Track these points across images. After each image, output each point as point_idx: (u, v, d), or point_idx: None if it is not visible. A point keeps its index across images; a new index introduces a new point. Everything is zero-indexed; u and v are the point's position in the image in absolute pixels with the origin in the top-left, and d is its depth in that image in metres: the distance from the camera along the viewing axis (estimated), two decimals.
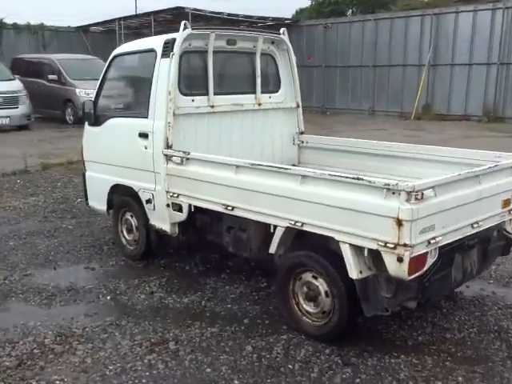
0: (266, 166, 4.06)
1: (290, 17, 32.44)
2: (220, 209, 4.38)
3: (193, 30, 4.85)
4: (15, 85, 15.36)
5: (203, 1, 19.99)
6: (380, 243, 3.35)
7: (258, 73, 5.49)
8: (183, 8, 18.99)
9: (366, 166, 5.23)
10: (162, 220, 5.00)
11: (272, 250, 4.10)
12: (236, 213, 4.27)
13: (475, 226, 3.74)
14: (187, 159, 4.61)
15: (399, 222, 3.23)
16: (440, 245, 3.46)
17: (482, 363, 3.59)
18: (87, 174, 5.95)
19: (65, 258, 5.64)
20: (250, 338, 3.95)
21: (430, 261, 3.45)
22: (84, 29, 23.89)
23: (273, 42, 5.60)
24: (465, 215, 3.64)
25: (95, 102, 5.58)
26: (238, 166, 4.19)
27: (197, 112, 5.09)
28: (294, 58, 5.69)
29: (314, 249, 3.95)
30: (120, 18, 21.79)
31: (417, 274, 3.38)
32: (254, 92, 5.52)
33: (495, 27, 16.67)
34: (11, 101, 14.90)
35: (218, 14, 19.72)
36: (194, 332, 4.04)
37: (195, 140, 5.07)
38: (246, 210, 4.18)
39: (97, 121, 5.58)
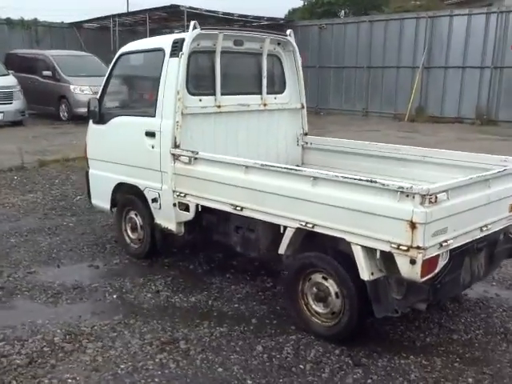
0: (277, 166, 4.08)
1: (282, 17, 32.52)
2: (228, 209, 4.39)
3: (202, 30, 4.86)
4: (9, 80, 15.23)
5: None
6: (393, 245, 3.38)
7: (264, 73, 5.50)
8: (178, 6, 18.96)
9: (371, 168, 5.25)
10: (168, 219, 5.01)
11: (281, 250, 4.12)
12: (245, 213, 4.28)
13: (484, 229, 3.79)
14: (195, 159, 4.61)
15: (413, 225, 3.26)
16: (451, 247, 3.51)
17: (490, 365, 3.64)
18: (90, 171, 5.93)
19: (68, 256, 5.62)
20: (260, 337, 3.97)
21: (442, 263, 3.50)
22: (78, 25, 23.74)
23: (279, 43, 5.62)
24: (474, 219, 3.69)
25: (100, 100, 5.56)
26: (247, 167, 4.21)
27: (204, 112, 5.10)
28: (299, 59, 5.71)
29: (323, 250, 3.98)
30: (114, 15, 21.71)
31: (429, 276, 3.42)
32: (260, 93, 5.54)
33: (489, 31, 16.81)
34: (5, 96, 14.77)
35: (213, 13, 19.68)
36: (203, 331, 4.05)
37: (202, 140, 5.08)
38: (255, 211, 4.20)
39: (102, 119, 5.57)
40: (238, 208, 4.31)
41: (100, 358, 3.66)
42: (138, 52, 5.45)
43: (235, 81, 5.60)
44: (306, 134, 5.93)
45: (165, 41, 4.97)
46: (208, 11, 19.44)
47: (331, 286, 3.86)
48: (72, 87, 16.07)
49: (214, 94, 5.15)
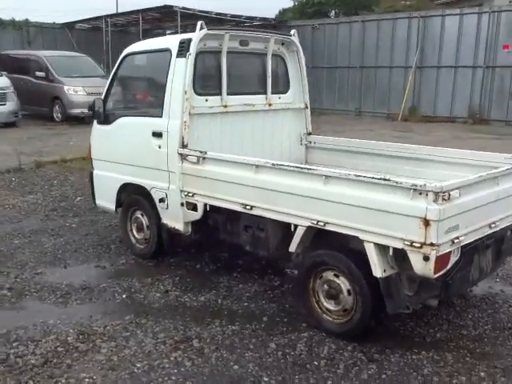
0: (289, 165, 4.12)
1: (273, 17, 32.59)
2: (238, 208, 4.42)
3: (209, 30, 4.88)
4: (3, 81, 15.11)
5: None
6: (406, 242, 3.43)
7: (269, 73, 5.54)
8: (172, 6, 18.97)
9: (376, 167, 5.30)
10: (175, 219, 5.02)
11: (292, 248, 4.16)
12: (255, 212, 4.31)
13: (493, 226, 3.85)
14: (203, 158, 4.63)
15: (426, 222, 3.31)
16: (462, 244, 3.56)
17: (501, 359, 3.71)
18: (95, 172, 5.92)
19: (73, 257, 5.62)
20: (272, 335, 4.01)
21: (453, 260, 3.56)
22: (69, 25, 23.65)
23: (283, 44, 5.66)
24: (484, 216, 3.75)
25: (105, 101, 5.57)
26: (258, 166, 4.24)
27: (210, 112, 5.12)
28: (303, 59, 5.77)
29: (333, 248, 4.02)
30: (107, 16, 21.68)
31: (441, 273, 3.47)
32: (265, 92, 5.58)
33: (481, 30, 16.99)
34: None
35: (206, 13, 19.69)
36: (215, 330, 4.08)
37: (209, 140, 5.10)
38: (265, 210, 4.23)
39: (106, 119, 5.56)
40: (247, 207, 4.34)
41: (115, 358, 3.68)
42: (144, 52, 5.46)
43: (240, 81, 5.63)
44: (309, 134, 5.97)
45: (171, 41, 4.99)
46: (201, 11, 19.46)
47: (343, 283, 3.91)
48: (66, 88, 16.02)
49: (220, 94, 5.18)
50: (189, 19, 20.97)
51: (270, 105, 5.61)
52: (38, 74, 16.48)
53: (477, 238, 3.73)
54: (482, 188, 3.69)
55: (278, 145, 5.77)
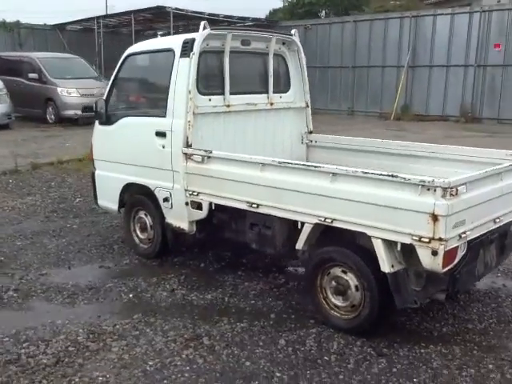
0: (296, 164, 4.15)
1: (263, 17, 32.65)
2: (244, 206, 4.45)
3: (212, 30, 4.91)
4: None
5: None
6: (414, 238, 3.48)
7: (271, 73, 5.58)
8: (164, 7, 18.96)
9: (377, 165, 5.31)
10: (180, 218, 5.04)
11: (299, 246, 4.20)
12: (261, 210, 4.35)
13: (497, 220, 3.91)
14: (208, 157, 4.66)
15: (435, 217, 3.36)
16: (469, 239, 3.62)
17: (507, 351, 3.77)
18: (97, 172, 5.92)
19: (77, 258, 5.62)
20: (281, 332, 4.04)
21: (460, 254, 3.61)
22: (61, 27, 23.56)
23: (284, 43, 5.70)
24: (489, 211, 3.81)
25: (107, 101, 5.58)
26: (264, 164, 4.27)
27: (214, 111, 5.15)
28: (304, 58, 5.81)
29: (341, 244, 4.07)
30: (99, 17, 21.62)
31: (449, 267, 3.53)
32: (267, 92, 5.61)
33: (472, 30, 17.16)
34: None
35: (198, 14, 19.69)
36: (224, 327, 4.11)
37: (212, 139, 5.13)
38: (272, 208, 4.27)
39: (108, 120, 5.58)
40: (253, 205, 4.37)
41: (126, 356, 3.70)
42: (146, 53, 5.48)
43: (242, 80, 5.64)
44: (310, 133, 6.02)
45: (174, 41, 5.01)
46: (194, 12, 19.47)
47: (351, 279, 3.95)
48: (59, 89, 15.96)
49: (222, 93, 5.20)
50: (181, 20, 21.05)
51: (271, 104, 5.64)
52: (31, 75, 16.39)
53: (482, 232, 3.79)
54: (487, 184, 3.76)
55: (280, 144, 5.81)
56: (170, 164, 4.97)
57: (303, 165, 4.12)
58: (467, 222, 3.56)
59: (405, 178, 3.51)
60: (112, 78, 5.60)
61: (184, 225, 5.03)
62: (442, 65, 18.00)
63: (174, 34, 19.13)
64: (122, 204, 5.74)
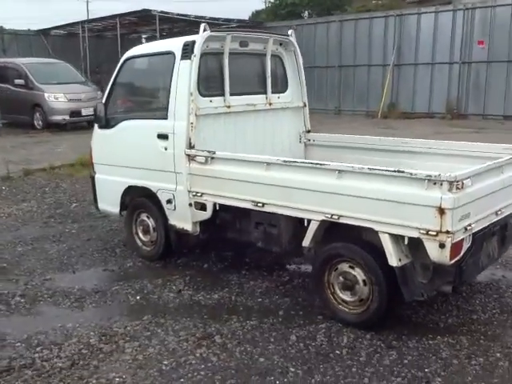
0: (301, 162, 4.22)
1: (246, 18, 32.71)
2: (249, 206, 4.50)
3: (211, 31, 4.96)
4: None
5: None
6: (422, 231, 3.56)
7: (269, 73, 5.65)
8: (150, 10, 18.93)
9: (375, 162, 5.36)
10: (184, 219, 5.08)
11: (305, 243, 4.26)
12: (267, 209, 4.40)
13: (499, 213, 4.02)
14: (212, 158, 4.71)
15: (441, 211, 3.44)
16: (474, 231, 3.71)
17: None
18: (97, 176, 5.93)
19: (80, 262, 5.63)
20: (290, 328, 4.10)
21: (466, 246, 3.71)
22: (45, 32, 23.40)
23: (281, 44, 5.77)
24: (491, 203, 3.91)
25: (106, 105, 5.59)
26: (268, 164, 4.33)
27: (215, 112, 5.20)
28: (300, 58, 5.87)
29: (347, 240, 4.14)
30: (84, 21, 21.53)
31: (456, 259, 3.62)
32: (265, 92, 5.68)
33: (456, 27, 17.37)
34: None
35: (184, 16, 19.72)
36: (234, 325, 4.15)
37: (214, 140, 5.17)
38: (277, 206, 4.32)
39: (108, 123, 5.59)
40: (259, 204, 4.42)
41: (141, 357, 3.73)
42: (145, 56, 5.50)
43: (241, 81, 5.69)
44: (308, 132, 6.09)
45: (174, 44, 5.05)
46: (179, 15, 19.47)
47: (358, 274, 4.02)
48: (46, 95, 15.87)
49: (223, 94, 5.26)
50: (166, 23, 21.02)
51: (270, 104, 5.71)
52: (17, 81, 16.26)
53: (485, 225, 3.89)
54: (489, 177, 3.85)
55: (279, 143, 5.87)
56: (172, 166, 5.01)
57: (309, 163, 4.18)
58: (472, 214, 3.65)
59: (411, 173, 3.59)
60: (111, 81, 5.62)
61: (188, 226, 5.06)
62: (427, 62, 18.20)
63: (160, 37, 19.12)
64: (123, 207, 5.75)
